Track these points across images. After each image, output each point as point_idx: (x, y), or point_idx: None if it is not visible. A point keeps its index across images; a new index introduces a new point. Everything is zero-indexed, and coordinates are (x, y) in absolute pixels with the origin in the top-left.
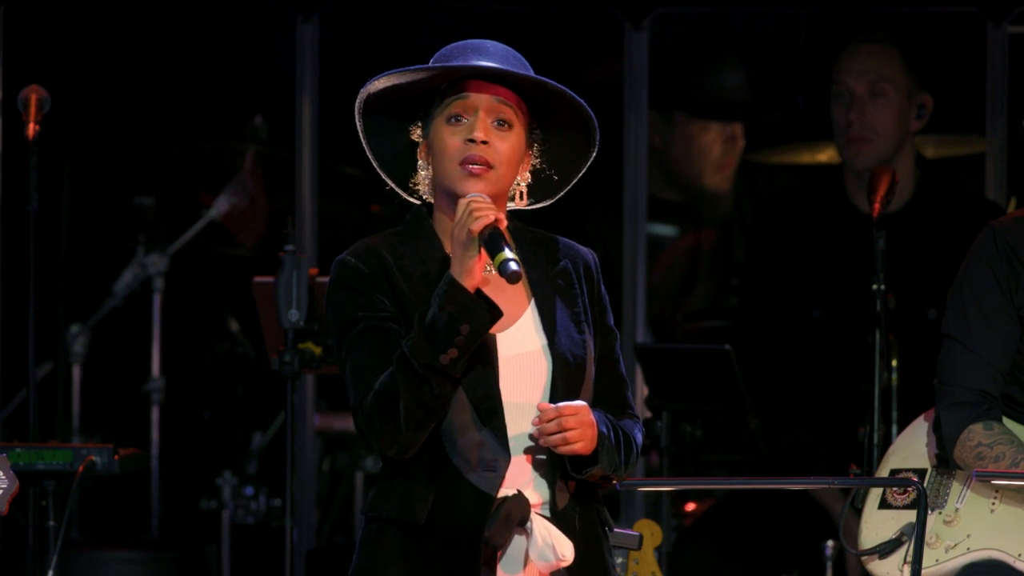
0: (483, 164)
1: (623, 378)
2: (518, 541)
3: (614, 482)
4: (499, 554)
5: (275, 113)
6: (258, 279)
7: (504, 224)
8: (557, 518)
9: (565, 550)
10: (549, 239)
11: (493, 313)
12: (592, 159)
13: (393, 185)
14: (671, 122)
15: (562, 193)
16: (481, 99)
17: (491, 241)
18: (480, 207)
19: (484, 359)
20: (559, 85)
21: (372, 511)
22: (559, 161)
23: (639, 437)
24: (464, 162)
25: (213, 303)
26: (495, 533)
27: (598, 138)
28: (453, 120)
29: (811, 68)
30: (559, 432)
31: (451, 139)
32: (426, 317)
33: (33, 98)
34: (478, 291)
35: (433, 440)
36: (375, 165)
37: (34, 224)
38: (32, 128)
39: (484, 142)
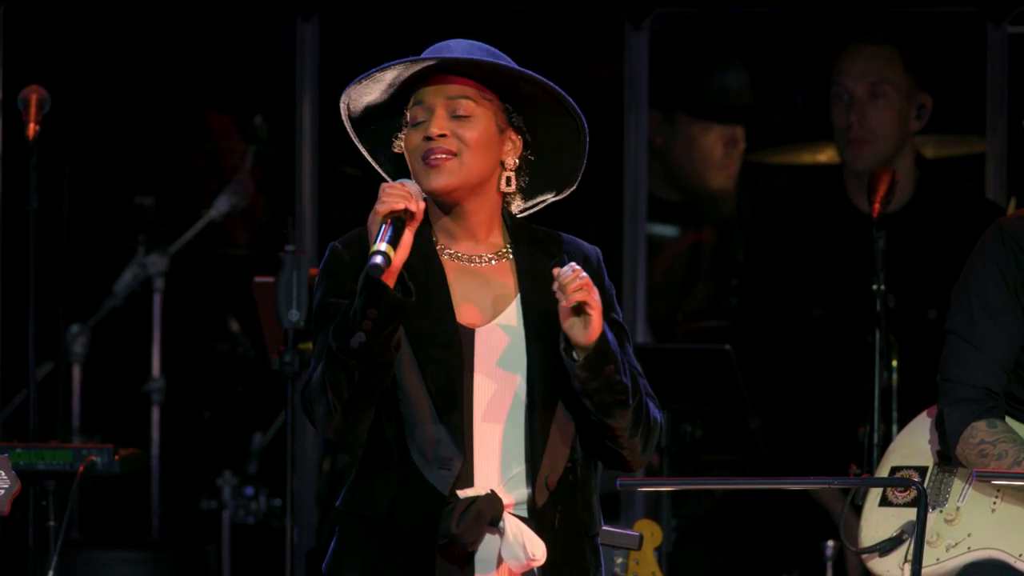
0: (444, 154)
1: (637, 369)
2: (491, 541)
3: (614, 429)
4: (473, 549)
5: (275, 113)
6: (258, 279)
7: (419, 216)
8: (534, 516)
9: (536, 549)
10: (549, 236)
11: (400, 297)
12: (587, 133)
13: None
14: (673, 123)
15: (578, 178)
16: (436, 98)
17: (383, 229)
18: (391, 193)
19: (453, 354)
20: (510, 66)
21: (340, 503)
22: (555, 140)
23: (655, 410)
24: (425, 156)
25: (213, 303)
26: (465, 531)
27: (578, 110)
28: (414, 125)
29: (811, 68)
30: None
31: (413, 139)
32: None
33: (33, 98)
34: (401, 275)
35: (397, 433)
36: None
37: (34, 224)
38: (32, 128)
39: (442, 135)
